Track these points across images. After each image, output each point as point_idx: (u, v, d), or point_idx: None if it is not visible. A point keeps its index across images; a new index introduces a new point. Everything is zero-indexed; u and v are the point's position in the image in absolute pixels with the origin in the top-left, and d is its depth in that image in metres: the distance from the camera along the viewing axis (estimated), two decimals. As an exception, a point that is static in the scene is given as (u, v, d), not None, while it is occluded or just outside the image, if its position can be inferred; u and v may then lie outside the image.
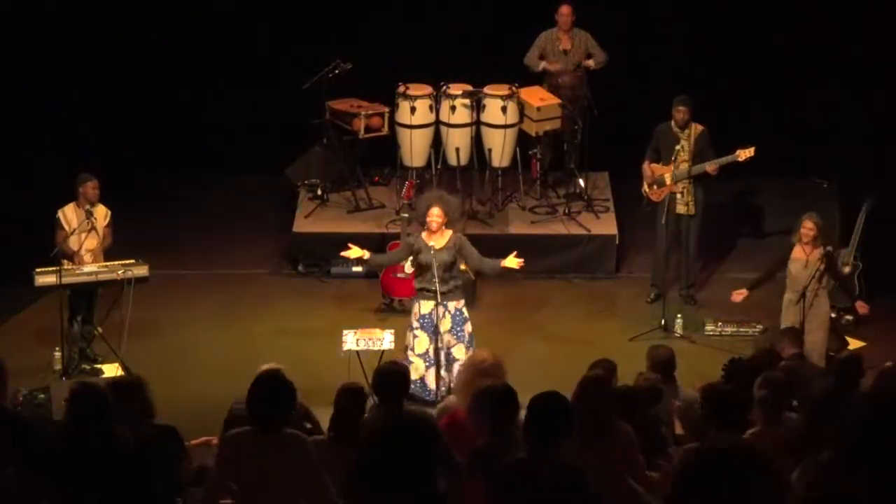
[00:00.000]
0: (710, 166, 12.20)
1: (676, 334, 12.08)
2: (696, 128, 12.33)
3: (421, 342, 10.69)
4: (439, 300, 10.53)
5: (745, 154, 12.11)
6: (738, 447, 3.69)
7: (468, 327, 10.75)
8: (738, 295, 11.40)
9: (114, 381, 8.18)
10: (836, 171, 13.79)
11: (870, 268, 12.27)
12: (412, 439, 4.15)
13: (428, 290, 10.59)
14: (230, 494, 6.72)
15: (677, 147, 12.29)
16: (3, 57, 13.67)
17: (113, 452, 6.48)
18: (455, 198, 11.33)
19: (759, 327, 11.84)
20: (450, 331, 10.66)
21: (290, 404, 6.77)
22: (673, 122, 12.35)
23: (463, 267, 11.12)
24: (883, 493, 4.00)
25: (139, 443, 6.86)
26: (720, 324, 12.19)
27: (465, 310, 10.80)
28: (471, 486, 6.50)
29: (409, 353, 10.74)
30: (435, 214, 10.65)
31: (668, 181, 12.35)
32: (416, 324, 10.72)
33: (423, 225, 10.85)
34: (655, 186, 12.43)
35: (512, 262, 10.76)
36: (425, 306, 10.66)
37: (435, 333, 10.62)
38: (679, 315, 12.24)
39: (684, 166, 12.31)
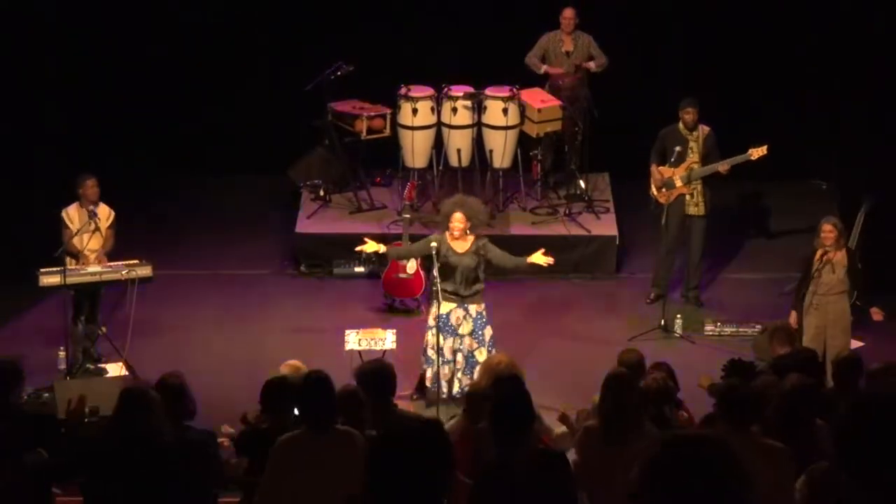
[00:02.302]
0: (723, 166, 12.23)
1: (676, 334, 12.14)
2: (704, 129, 12.40)
3: (438, 340, 10.67)
4: (461, 303, 10.60)
5: (757, 153, 12.16)
6: (703, 436, 3.57)
7: (489, 331, 10.76)
8: (793, 321, 10.95)
9: (160, 383, 8.29)
10: (835, 172, 13.87)
11: (869, 267, 12.06)
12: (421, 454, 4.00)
13: (450, 293, 10.61)
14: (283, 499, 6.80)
15: (689, 148, 12.33)
16: (10, 57, 13.67)
17: (155, 451, 6.54)
18: (478, 200, 11.22)
19: (758, 327, 11.78)
20: (471, 334, 10.70)
21: (336, 404, 6.99)
22: (681, 125, 12.38)
23: None
24: (871, 499, 3.96)
25: (180, 443, 6.92)
26: (719, 324, 12.27)
27: (485, 313, 10.80)
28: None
29: (430, 351, 10.73)
30: (457, 220, 10.58)
31: (677, 183, 12.38)
32: (432, 322, 10.70)
33: (446, 229, 10.73)
34: (664, 189, 12.45)
35: (539, 258, 10.77)
36: (445, 307, 10.65)
37: (452, 334, 10.66)
38: (679, 315, 12.28)
39: (695, 167, 12.36)
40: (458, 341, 10.69)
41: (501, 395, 6.63)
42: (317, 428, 6.80)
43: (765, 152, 12.12)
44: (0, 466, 6.48)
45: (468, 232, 10.65)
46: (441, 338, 10.62)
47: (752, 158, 12.18)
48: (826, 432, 7.00)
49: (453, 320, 10.67)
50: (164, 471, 6.45)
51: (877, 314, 11.39)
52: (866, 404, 4.06)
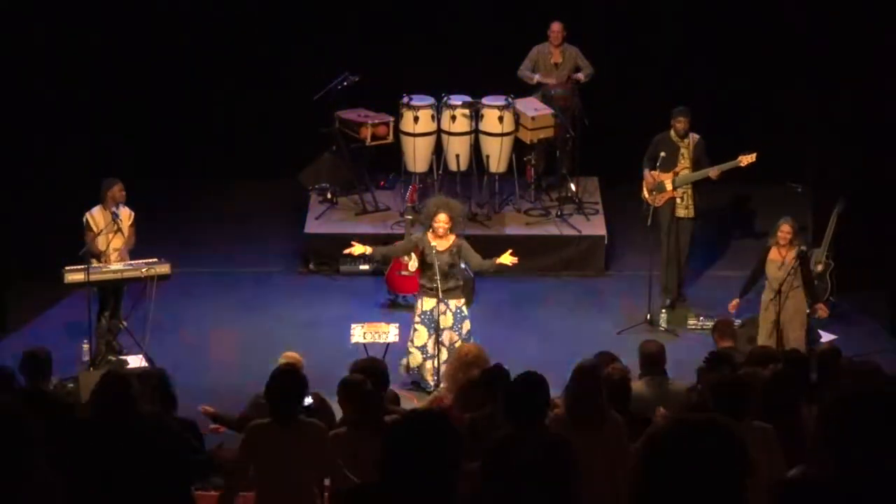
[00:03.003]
0: (714, 171, 12.41)
1: (661, 328, 12.38)
2: (694, 137, 12.56)
3: (420, 335, 11.05)
4: (441, 297, 10.87)
5: (747, 159, 12.30)
6: (706, 419, 3.52)
7: (466, 325, 11.05)
8: (733, 306, 11.52)
9: (140, 373, 8.46)
10: (809, 175, 13.88)
11: (842, 266, 12.48)
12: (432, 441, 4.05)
13: (430, 288, 10.91)
14: (251, 478, 6.96)
15: (680, 155, 12.58)
16: (9, 57, 13.43)
17: (136, 433, 6.34)
18: (458, 203, 11.56)
19: (738, 322, 11.76)
20: (451, 327, 10.97)
21: (302, 397, 7.05)
22: (672, 132, 12.54)
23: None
24: (852, 492, 3.90)
25: (161, 427, 6.82)
26: (702, 318, 12.50)
27: (464, 308, 11.12)
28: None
29: (409, 344, 11.10)
30: (442, 220, 10.90)
31: (668, 187, 12.56)
32: (417, 318, 11.05)
33: (428, 228, 11.05)
34: (655, 192, 12.64)
35: (506, 258, 11.02)
36: (427, 303, 10.98)
37: (434, 329, 10.94)
38: (664, 310, 12.56)
39: (685, 173, 12.56)
40: (441, 335, 10.92)
41: (523, 380, 6.62)
42: (281, 420, 6.88)
43: (753, 159, 12.29)
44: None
45: (450, 231, 11.00)
46: (427, 333, 10.98)
47: (742, 165, 12.33)
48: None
49: (436, 315, 10.93)
50: (137, 455, 6.13)
51: (822, 311, 11.43)
52: (840, 404, 4.01)
